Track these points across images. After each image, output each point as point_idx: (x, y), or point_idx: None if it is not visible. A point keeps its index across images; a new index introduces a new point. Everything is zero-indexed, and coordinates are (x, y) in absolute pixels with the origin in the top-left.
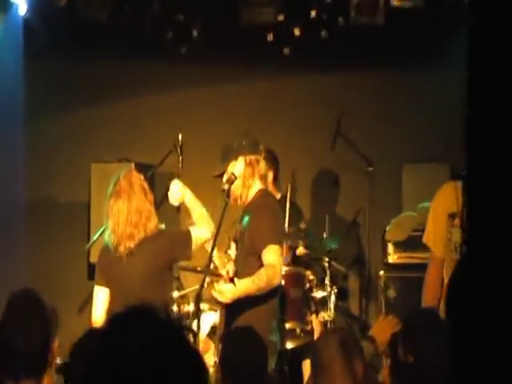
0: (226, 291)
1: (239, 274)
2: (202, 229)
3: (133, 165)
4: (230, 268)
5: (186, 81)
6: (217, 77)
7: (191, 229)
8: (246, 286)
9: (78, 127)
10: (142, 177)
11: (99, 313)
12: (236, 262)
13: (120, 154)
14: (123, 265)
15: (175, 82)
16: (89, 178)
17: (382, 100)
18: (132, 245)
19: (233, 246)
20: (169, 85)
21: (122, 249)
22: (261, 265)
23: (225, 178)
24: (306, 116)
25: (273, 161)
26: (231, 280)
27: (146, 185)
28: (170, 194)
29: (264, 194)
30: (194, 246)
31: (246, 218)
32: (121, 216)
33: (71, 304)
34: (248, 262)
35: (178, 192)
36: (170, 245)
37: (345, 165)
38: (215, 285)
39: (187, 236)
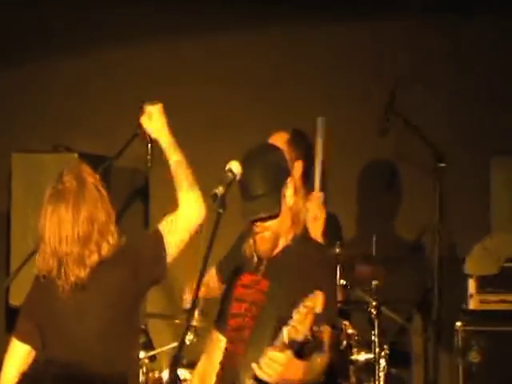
0: (279, 360)
1: (256, 341)
2: (186, 207)
3: (76, 156)
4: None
5: (159, 29)
6: (205, 24)
7: (164, 224)
8: (300, 371)
9: None
10: (97, 176)
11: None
12: (258, 325)
13: (57, 139)
14: (68, 306)
15: (142, 31)
16: (9, 174)
17: (459, 64)
18: (83, 273)
19: None
20: (132, 36)
21: (67, 280)
22: None
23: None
24: (344, 85)
25: (304, 147)
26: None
27: (102, 188)
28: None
29: (314, 241)
30: (177, 240)
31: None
32: (63, 228)
33: None
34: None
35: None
36: (135, 268)
37: (403, 158)
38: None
39: (157, 242)
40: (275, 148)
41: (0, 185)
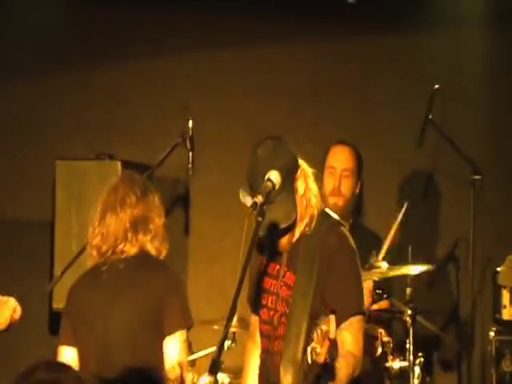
0: None
1: (292, 339)
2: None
3: (119, 164)
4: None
5: (199, 40)
6: (249, 33)
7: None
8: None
9: (35, 108)
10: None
11: None
12: (292, 322)
13: (100, 147)
14: (101, 298)
15: (182, 40)
16: (53, 181)
17: (497, 77)
18: (128, 247)
19: None
20: (173, 43)
21: (115, 256)
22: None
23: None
24: (378, 93)
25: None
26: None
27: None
28: None
29: (332, 223)
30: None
31: (306, 263)
32: (123, 210)
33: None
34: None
35: None
36: (164, 291)
37: (438, 170)
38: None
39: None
40: (282, 143)
41: (44, 191)
